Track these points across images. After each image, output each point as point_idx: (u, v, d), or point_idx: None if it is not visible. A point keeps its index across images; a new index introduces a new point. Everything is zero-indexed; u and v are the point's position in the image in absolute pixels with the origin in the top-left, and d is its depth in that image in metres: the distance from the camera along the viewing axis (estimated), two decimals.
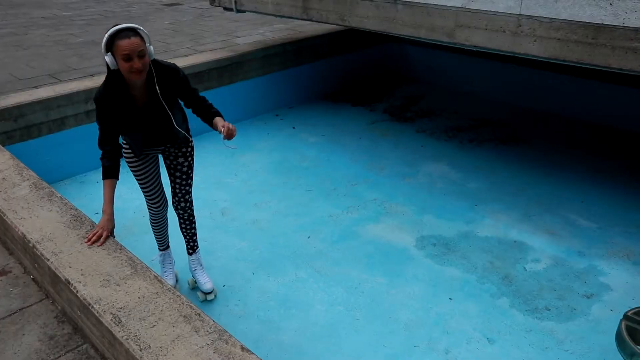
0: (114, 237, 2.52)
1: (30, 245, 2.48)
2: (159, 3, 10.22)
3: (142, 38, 2.30)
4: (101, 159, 2.50)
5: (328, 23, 4.40)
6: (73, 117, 4.35)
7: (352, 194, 4.30)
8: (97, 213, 3.90)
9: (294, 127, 5.62)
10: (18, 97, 4.18)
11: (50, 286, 2.47)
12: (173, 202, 2.97)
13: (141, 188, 2.86)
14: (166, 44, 6.88)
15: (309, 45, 6.15)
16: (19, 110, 4.07)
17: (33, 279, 2.68)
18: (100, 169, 2.54)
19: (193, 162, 2.89)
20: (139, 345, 1.85)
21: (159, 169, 2.88)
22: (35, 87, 4.84)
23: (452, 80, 6.79)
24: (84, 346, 2.25)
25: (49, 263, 2.34)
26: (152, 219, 3.07)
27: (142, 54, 2.27)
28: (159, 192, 2.92)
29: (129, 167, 2.76)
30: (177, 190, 2.90)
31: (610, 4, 2.73)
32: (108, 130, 2.47)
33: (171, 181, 2.89)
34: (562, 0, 2.91)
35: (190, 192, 2.95)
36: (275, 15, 4.88)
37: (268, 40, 6.07)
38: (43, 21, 8.56)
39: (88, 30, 7.83)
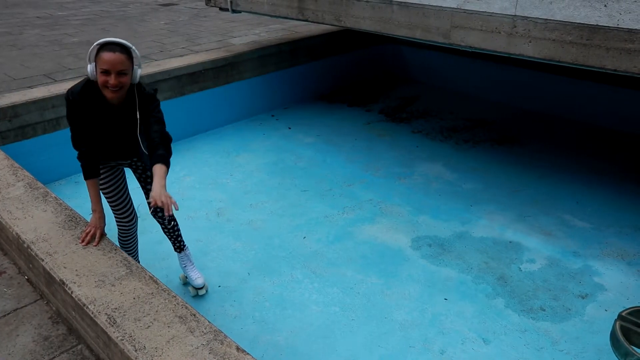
0: (106, 234, 2.50)
1: (25, 245, 2.47)
2: (155, 3, 10.20)
3: (129, 57, 2.25)
4: (78, 159, 2.44)
5: (324, 23, 4.40)
6: None
7: (348, 195, 4.30)
8: (91, 213, 3.89)
9: (289, 128, 5.62)
10: (13, 97, 4.16)
11: (45, 287, 2.46)
12: (150, 211, 2.74)
13: (108, 202, 2.76)
14: (162, 44, 6.87)
15: (304, 45, 6.16)
16: (13, 110, 4.05)
17: (27, 280, 2.67)
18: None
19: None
20: (134, 346, 1.85)
21: (126, 182, 2.80)
22: (30, 87, 4.82)
23: (448, 81, 6.81)
24: (79, 347, 2.25)
25: (43, 263, 2.33)
26: (121, 236, 2.95)
27: (122, 72, 2.21)
28: (128, 205, 2.83)
29: (103, 195, 2.68)
30: None
31: (605, 5, 2.74)
32: (80, 131, 2.39)
33: (145, 192, 2.81)
34: (556, 2, 2.93)
35: None
36: (271, 16, 4.88)
37: (264, 40, 6.06)
38: (38, 21, 8.53)
39: (83, 30, 7.81)
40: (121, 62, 2.19)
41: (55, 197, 2.84)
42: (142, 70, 4.86)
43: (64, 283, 2.20)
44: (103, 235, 2.48)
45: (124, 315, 2.00)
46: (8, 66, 5.85)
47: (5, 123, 4.03)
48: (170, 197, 2.20)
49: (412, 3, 3.63)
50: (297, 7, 4.51)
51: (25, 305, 2.50)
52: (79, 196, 4.17)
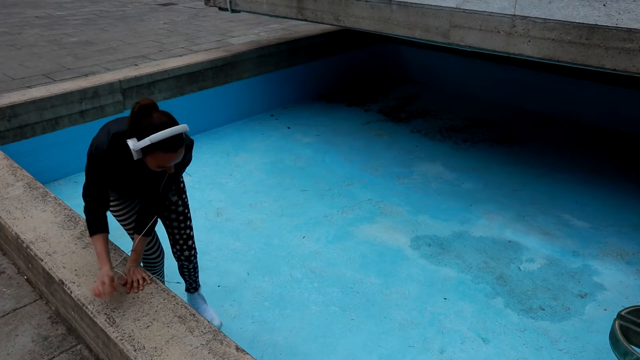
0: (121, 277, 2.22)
1: (24, 245, 2.47)
2: (154, 3, 10.19)
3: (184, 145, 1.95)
4: (85, 211, 2.12)
5: (323, 23, 4.40)
6: (67, 117, 4.33)
7: (347, 194, 4.30)
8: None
9: (289, 128, 5.62)
10: (12, 97, 4.16)
11: (44, 287, 2.46)
12: (174, 253, 2.62)
13: (128, 232, 2.49)
14: (161, 43, 6.86)
15: (303, 45, 6.15)
16: (12, 110, 4.04)
17: (27, 280, 2.67)
18: None
19: (187, 199, 2.52)
20: (134, 346, 1.85)
21: None
22: (29, 87, 4.82)
23: (447, 80, 6.81)
24: (78, 347, 2.25)
25: (42, 263, 2.33)
26: (146, 268, 2.66)
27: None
28: (153, 240, 2.57)
29: (112, 214, 2.40)
30: (177, 237, 2.53)
31: (604, 5, 2.74)
32: (98, 185, 2.09)
33: (167, 227, 2.53)
34: (556, 1, 2.93)
35: (192, 236, 2.59)
36: (270, 16, 4.88)
37: (263, 40, 6.06)
38: (37, 21, 8.52)
39: (82, 30, 7.80)
40: (180, 155, 1.92)
41: (54, 197, 2.84)
42: (141, 70, 4.87)
43: (63, 283, 2.19)
44: (119, 281, 2.16)
45: (124, 315, 2.00)
46: (7, 66, 5.84)
47: (4, 123, 4.03)
48: (141, 275, 2.13)
49: (411, 3, 3.63)
50: (296, 7, 4.51)
51: (25, 305, 2.50)
52: (79, 196, 4.15)
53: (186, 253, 2.60)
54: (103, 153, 1.98)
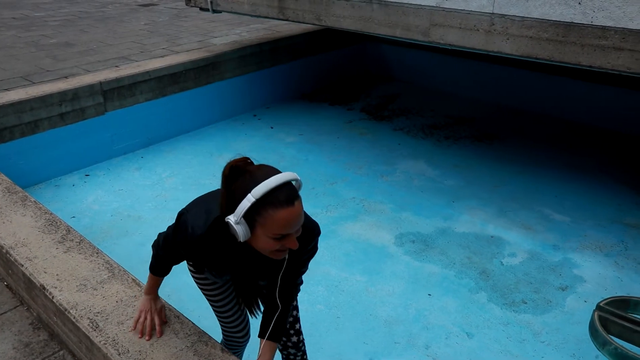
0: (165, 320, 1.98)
1: (4, 251, 2.44)
2: (134, 3, 10.10)
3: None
4: (154, 256, 1.78)
5: (304, 23, 4.41)
6: (47, 119, 4.27)
7: (331, 193, 4.32)
8: (73, 217, 3.86)
9: (271, 127, 5.61)
10: None
11: (25, 292, 2.43)
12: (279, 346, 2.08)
13: (214, 310, 2.07)
14: (142, 44, 6.80)
15: (285, 45, 6.15)
16: None
17: (7, 286, 2.63)
18: None
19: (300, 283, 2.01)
20: (117, 350, 1.84)
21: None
22: (7, 90, 4.74)
23: (428, 78, 6.86)
24: (61, 352, 2.22)
25: (23, 269, 2.30)
26: (226, 347, 2.20)
27: (300, 227, 1.43)
28: (240, 315, 2.09)
29: (197, 285, 2.00)
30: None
31: (579, 3, 2.79)
32: (176, 258, 1.73)
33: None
34: None
35: (299, 318, 2.07)
36: (252, 16, 4.87)
37: (245, 40, 6.05)
38: (14, 22, 8.39)
39: (61, 31, 7.70)
40: (301, 212, 1.41)
41: (34, 201, 2.81)
42: (122, 71, 4.83)
43: (44, 288, 2.17)
44: (164, 320, 1.94)
45: (107, 319, 1.98)
46: None
47: None
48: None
49: (392, 2, 3.65)
50: (278, 7, 4.51)
51: (5, 312, 2.47)
52: (59, 200, 4.13)
53: (294, 339, 2.07)
54: (197, 239, 1.53)
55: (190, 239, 1.55)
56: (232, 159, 1.44)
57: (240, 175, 1.41)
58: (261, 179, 1.36)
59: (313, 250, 1.81)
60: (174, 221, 1.69)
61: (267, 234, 1.39)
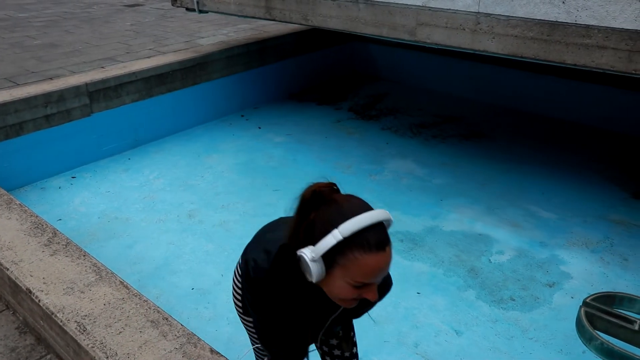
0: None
1: None
2: (120, 4, 10.02)
3: None
4: None
5: (291, 23, 4.40)
6: (32, 121, 4.22)
7: None
8: (59, 220, 3.82)
9: (259, 128, 5.60)
10: None
11: (11, 296, 2.41)
12: None
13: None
14: (128, 45, 6.76)
15: (273, 45, 6.14)
16: None
17: None
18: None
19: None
20: (106, 353, 1.82)
21: None
22: None
23: (416, 78, 6.89)
24: (48, 357, 2.20)
25: (8, 273, 2.27)
26: None
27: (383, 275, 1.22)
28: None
29: (247, 329, 1.75)
30: None
31: (563, 2, 2.82)
32: (273, 323, 1.39)
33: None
34: None
35: None
36: (238, 16, 4.85)
37: (232, 40, 6.03)
38: None
39: (46, 32, 7.62)
40: (390, 260, 1.21)
41: (19, 204, 2.78)
42: (108, 72, 4.79)
43: (30, 292, 2.15)
44: None
45: (94, 322, 1.97)
46: None
47: None
48: None
49: (378, 1, 3.66)
50: (264, 7, 4.50)
51: None
52: (45, 202, 4.08)
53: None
54: (264, 276, 1.31)
55: (256, 279, 1.32)
56: (315, 182, 1.25)
57: (323, 203, 1.22)
58: (350, 214, 1.17)
59: (389, 286, 1.62)
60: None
61: (346, 279, 1.19)
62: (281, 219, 1.45)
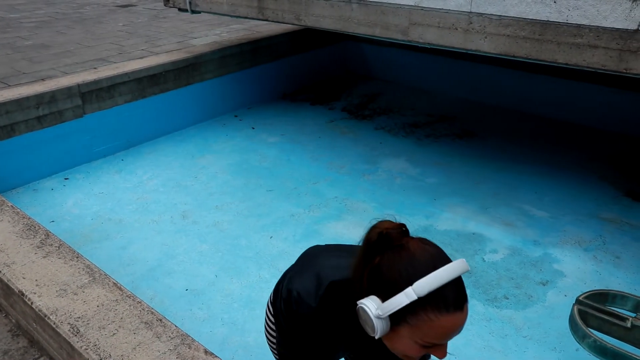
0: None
1: None
2: (112, 4, 9.98)
3: None
4: None
5: (284, 23, 4.40)
6: (23, 123, 4.20)
7: (313, 193, 4.32)
8: (52, 221, 3.80)
9: (253, 128, 5.60)
10: None
11: (3, 299, 2.39)
12: None
13: None
14: (120, 46, 6.73)
15: (266, 45, 6.14)
16: None
17: None
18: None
19: None
20: (99, 355, 1.82)
21: None
22: None
23: (409, 77, 6.90)
24: (41, 359, 2.19)
25: (0, 275, 2.26)
26: None
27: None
28: None
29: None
30: None
31: (554, 2, 2.84)
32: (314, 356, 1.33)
33: None
34: None
35: None
36: (231, 16, 4.84)
37: (225, 41, 6.02)
38: None
39: (37, 32, 7.57)
40: (466, 318, 1.08)
41: (11, 206, 2.76)
42: (101, 73, 4.77)
43: (23, 294, 2.14)
44: None
45: (88, 324, 1.96)
46: None
47: None
48: None
49: (371, 1, 3.67)
50: (257, 7, 4.50)
51: None
52: (38, 204, 4.06)
53: None
54: (312, 313, 1.19)
55: (301, 315, 1.20)
56: (381, 222, 1.13)
57: (390, 248, 1.10)
58: (425, 268, 1.03)
59: None
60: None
61: (415, 339, 1.05)
62: (332, 245, 1.29)
